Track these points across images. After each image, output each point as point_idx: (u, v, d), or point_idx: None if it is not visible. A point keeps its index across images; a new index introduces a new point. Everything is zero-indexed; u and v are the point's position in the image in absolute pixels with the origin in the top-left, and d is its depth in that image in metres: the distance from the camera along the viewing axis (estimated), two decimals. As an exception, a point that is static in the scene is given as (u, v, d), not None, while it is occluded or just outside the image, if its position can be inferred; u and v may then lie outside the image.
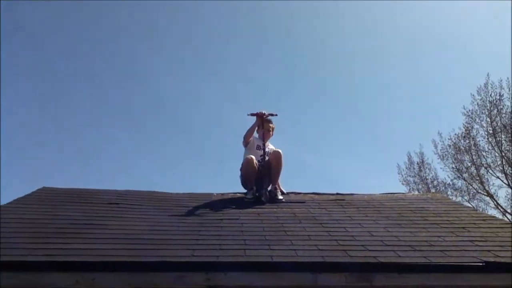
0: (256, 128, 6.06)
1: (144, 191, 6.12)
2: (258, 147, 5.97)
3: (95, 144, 26.29)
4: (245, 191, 6.02)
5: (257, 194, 5.69)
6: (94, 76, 24.93)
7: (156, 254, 3.46)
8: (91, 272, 3.16)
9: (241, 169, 5.97)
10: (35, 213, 4.73)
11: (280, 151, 5.93)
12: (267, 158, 5.85)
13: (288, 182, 6.17)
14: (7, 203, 5.03)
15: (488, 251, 3.70)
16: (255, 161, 5.77)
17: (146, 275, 3.19)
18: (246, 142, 6.06)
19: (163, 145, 27.88)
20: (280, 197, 5.63)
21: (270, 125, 6.17)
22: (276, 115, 6.15)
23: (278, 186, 5.98)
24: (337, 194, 6.24)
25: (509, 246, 3.88)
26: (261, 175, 5.75)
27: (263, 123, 6.01)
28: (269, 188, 5.76)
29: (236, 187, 6.30)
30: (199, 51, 26.59)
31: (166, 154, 27.60)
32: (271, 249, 3.68)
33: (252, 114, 6.01)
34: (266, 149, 5.93)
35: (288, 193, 6.02)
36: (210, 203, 5.54)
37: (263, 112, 6.02)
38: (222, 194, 6.12)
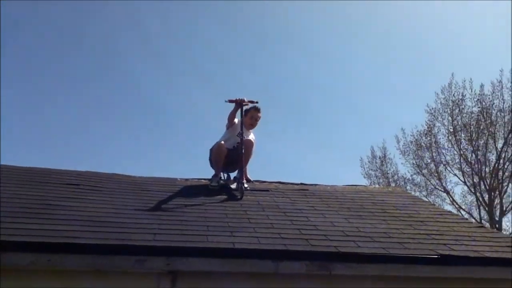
0: (235, 113, 5.81)
1: (106, 173, 5.99)
2: (239, 134, 5.72)
3: (62, 124, 25.55)
4: (209, 176, 6.00)
5: (222, 181, 5.64)
6: (64, 54, 24.12)
7: (116, 237, 3.42)
8: (47, 253, 3.08)
9: (211, 150, 5.90)
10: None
11: (252, 140, 5.88)
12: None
13: (253, 171, 6.18)
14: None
15: (444, 244, 3.82)
16: (224, 147, 5.71)
17: (105, 257, 3.15)
18: (230, 123, 5.90)
19: (132, 128, 27.45)
20: (246, 185, 5.52)
21: (259, 114, 6.01)
22: (257, 102, 5.97)
23: (245, 174, 5.87)
24: (301, 184, 6.30)
25: (463, 239, 4.02)
26: (231, 161, 5.70)
27: (242, 109, 5.78)
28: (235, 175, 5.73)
29: (201, 174, 6.28)
30: (174, 34, 26.13)
31: (135, 138, 27.20)
32: (233, 236, 3.69)
33: (231, 101, 5.76)
34: (246, 137, 5.80)
35: (252, 181, 6.01)
36: (173, 188, 5.49)
37: (242, 98, 5.80)
38: (186, 179, 6.07)
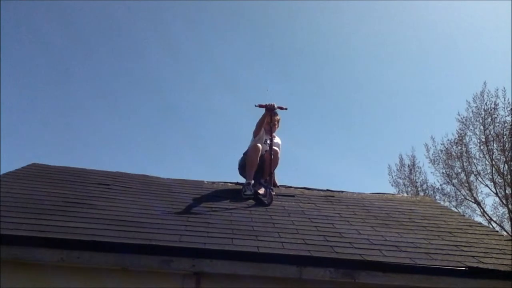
0: (265, 120, 5.72)
1: (135, 174, 6.12)
2: (265, 142, 5.73)
3: (89, 125, 26.12)
4: (235, 180, 6.04)
5: (254, 189, 5.49)
6: (90, 56, 24.68)
7: (143, 237, 3.48)
8: (76, 250, 3.17)
9: (244, 154, 5.87)
10: (25, 188, 4.71)
11: (277, 149, 5.78)
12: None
13: (279, 176, 6.18)
14: (-3, 177, 5.01)
15: (472, 256, 3.75)
16: (260, 148, 5.63)
17: (132, 257, 3.21)
18: (256, 134, 5.83)
19: (158, 132, 27.82)
20: (273, 192, 5.38)
21: (276, 117, 5.88)
22: (286, 108, 5.84)
23: (273, 179, 5.82)
24: (328, 190, 6.27)
25: (493, 253, 3.93)
26: (259, 169, 5.64)
27: (271, 115, 5.68)
28: (262, 181, 5.58)
29: (226, 178, 6.33)
30: (199, 39, 26.41)
31: (160, 141, 27.56)
32: (258, 240, 3.71)
33: (261, 106, 5.64)
34: (272, 142, 5.70)
35: (278, 186, 6.02)
36: (200, 191, 5.55)
37: (272, 104, 5.67)
38: (213, 182, 6.13)
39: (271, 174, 5.55)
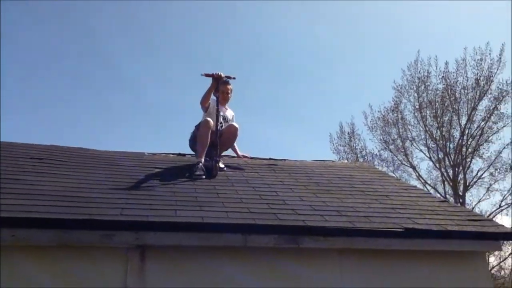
0: (213, 90, 5.44)
1: (71, 147, 5.86)
2: (217, 116, 5.40)
3: (28, 96, 24.75)
4: (177, 151, 5.96)
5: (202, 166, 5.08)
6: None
7: (83, 212, 3.35)
8: (10, 228, 3.01)
9: (196, 127, 5.49)
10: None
11: (236, 125, 5.56)
12: (222, 126, 5.47)
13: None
14: None
15: (408, 218, 3.93)
16: (212, 123, 5.26)
17: (72, 232, 3.10)
18: (204, 107, 5.48)
19: (102, 100, 26.84)
20: (222, 165, 5.25)
21: (228, 86, 5.63)
22: (234, 78, 5.61)
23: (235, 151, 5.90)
24: (270, 159, 6.32)
25: (427, 214, 4.13)
26: (212, 143, 5.28)
27: (218, 85, 5.42)
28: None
29: (169, 150, 6.22)
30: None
31: (103, 110, 26.64)
32: (202, 210, 3.68)
33: (207, 75, 5.38)
34: (225, 114, 5.61)
35: (222, 156, 5.96)
36: (141, 163, 5.42)
37: (219, 73, 5.40)
38: (154, 154, 6.00)
39: (218, 147, 5.29)
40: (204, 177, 4.87)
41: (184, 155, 6.08)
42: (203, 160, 5.13)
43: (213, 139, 5.27)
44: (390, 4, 27.37)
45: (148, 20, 26.04)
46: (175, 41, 27.88)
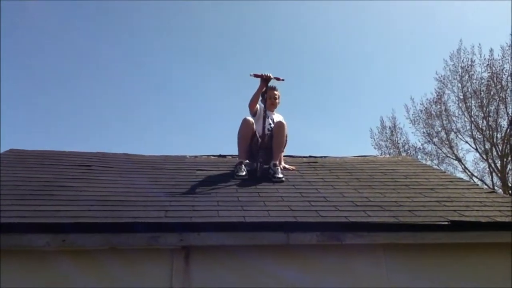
0: (261, 92, 5.27)
1: (117, 153, 6.06)
2: (264, 118, 5.21)
3: (66, 105, 25.69)
4: (218, 153, 6.02)
5: (248, 168, 5.09)
6: (65, 33, 24.04)
7: (129, 215, 3.46)
8: (62, 233, 3.13)
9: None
10: (5, 175, 4.61)
11: (283, 121, 5.31)
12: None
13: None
14: (-26, 165, 4.90)
15: (454, 210, 3.82)
16: (252, 122, 5.15)
17: (119, 236, 3.19)
18: (252, 112, 5.32)
19: (138, 108, 27.50)
20: (280, 175, 4.89)
21: (275, 92, 5.47)
22: (283, 80, 5.34)
23: (280, 161, 5.31)
24: (310, 156, 6.31)
25: (474, 206, 4.01)
26: (263, 148, 5.12)
27: (267, 86, 5.26)
28: (269, 164, 5.08)
29: (210, 152, 6.31)
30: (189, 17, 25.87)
31: (140, 118, 27.27)
32: (244, 210, 3.72)
33: (256, 75, 5.16)
34: (273, 119, 5.38)
35: (280, 162, 5.40)
36: (183, 165, 5.53)
37: (268, 74, 5.20)
38: (196, 156, 6.11)
39: (272, 152, 5.10)
40: (246, 177, 4.86)
41: (224, 156, 6.16)
42: (246, 161, 5.09)
43: (265, 144, 5.11)
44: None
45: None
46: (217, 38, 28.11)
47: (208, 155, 6.18)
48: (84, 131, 25.49)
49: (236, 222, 3.39)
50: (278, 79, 5.30)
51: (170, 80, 27.95)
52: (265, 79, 5.19)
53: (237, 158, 5.23)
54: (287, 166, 5.48)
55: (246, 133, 5.14)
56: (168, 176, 4.99)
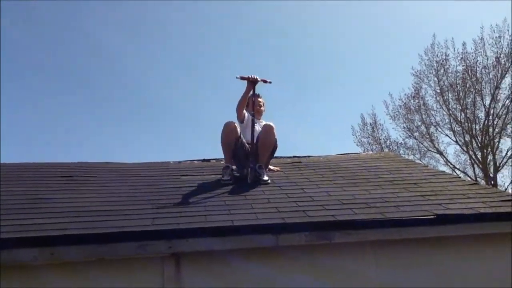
0: (248, 95, 5.12)
1: (98, 162, 5.98)
2: (253, 125, 5.02)
3: (46, 116, 25.31)
4: (201, 158, 6.00)
5: (236, 174, 5.03)
6: (42, 39, 23.69)
7: (115, 225, 3.42)
8: (49, 247, 3.08)
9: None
10: (-16, 190, 4.52)
11: (272, 124, 5.11)
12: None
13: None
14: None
15: (439, 204, 3.88)
16: (234, 125, 5.02)
17: (107, 246, 3.15)
18: (240, 117, 5.19)
19: (118, 116, 27.25)
20: (265, 177, 4.86)
21: (259, 99, 5.36)
22: (270, 82, 5.18)
23: (266, 164, 5.21)
24: (294, 157, 6.33)
25: (458, 198, 4.08)
26: (249, 153, 4.98)
27: (254, 89, 5.09)
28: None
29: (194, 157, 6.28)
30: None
31: (121, 126, 27.01)
32: (231, 214, 3.71)
33: (243, 78, 4.99)
34: (260, 126, 5.18)
35: (267, 166, 5.33)
36: (167, 172, 5.49)
37: (255, 76, 5.03)
38: (179, 162, 6.08)
39: (258, 154, 4.96)
40: (231, 182, 4.81)
41: (208, 160, 6.15)
42: (232, 166, 5.01)
43: (254, 150, 4.95)
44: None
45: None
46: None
47: (191, 160, 6.16)
48: (64, 141, 25.10)
49: (224, 227, 3.38)
50: (265, 81, 5.15)
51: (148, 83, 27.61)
52: (252, 82, 5.04)
53: (223, 162, 5.18)
54: (271, 167, 5.43)
55: (229, 138, 5.01)
56: (153, 183, 4.95)
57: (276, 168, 5.46)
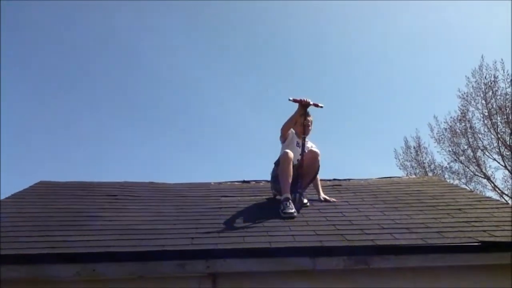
0: (299, 118, 4.92)
1: (142, 182, 6.16)
2: (298, 144, 4.93)
3: (91, 136, 26.20)
4: (241, 179, 6.05)
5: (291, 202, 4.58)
6: (86, 63, 24.66)
7: (156, 244, 3.50)
8: (91, 263, 3.20)
9: (276, 164, 5.06)
10: (34, 207, 4.75)
11: (317, 151, 4.99)
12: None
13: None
14: (5, 198, 5.06)
15: (484, 231, 3.75)
16: (292, 155, 4.80)
17: (147, 264, 3.23)
18: (283, 137, 5.05)
19: (160, 136, 27.84)
20: (305, 200, 4.80)
21: (309, 118, 4.98)
22: (322, 106, 4.94)
23: (319, 192, 5.21)
24: (334, 179, 6.29)
25: (504, 225, 3.93)
26: (295, 179, 4.77)
27: (305, 112, 4.89)
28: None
29: (232, 177, 6.36)
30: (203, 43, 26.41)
31: (163, 146, 27.57)
32: (269, 235, 3.72)
33: (295, 100, 4.81)
34: (306, 146, 4.91)
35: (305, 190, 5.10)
36: (208, 192, 5.58)
37: (307, 100, 4.85)
38: (220, 183, 6.17)
39: (303, 181, 4.79)
40: (295, 214, 4.41)
41: (248, 182, 6.21)
42: (289, 195, 4.61)
43: (295, 173, 4.78)
44: (449, 11, 26.58)
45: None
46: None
47: (232, 181, 6.23)
48: (109, 159, 25.85)
49: (261, 248, 3.40)
50: (317, 105, 4.92)
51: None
52: (303, 105, 4.85)
53: (282, 193, 4.68)
54: (327, 197, 5.19)
55: (287, 167, 4.74)
56: (194, 203, 5.04)
57: (332, 199, 5.18)
